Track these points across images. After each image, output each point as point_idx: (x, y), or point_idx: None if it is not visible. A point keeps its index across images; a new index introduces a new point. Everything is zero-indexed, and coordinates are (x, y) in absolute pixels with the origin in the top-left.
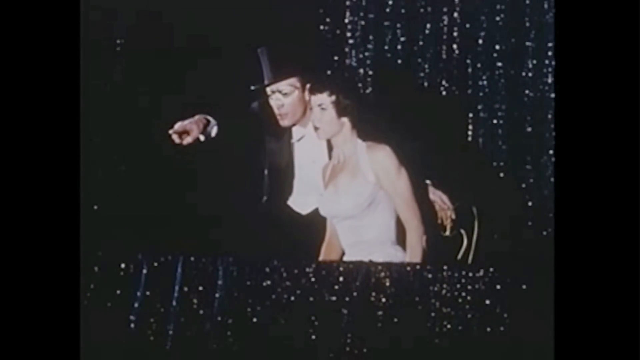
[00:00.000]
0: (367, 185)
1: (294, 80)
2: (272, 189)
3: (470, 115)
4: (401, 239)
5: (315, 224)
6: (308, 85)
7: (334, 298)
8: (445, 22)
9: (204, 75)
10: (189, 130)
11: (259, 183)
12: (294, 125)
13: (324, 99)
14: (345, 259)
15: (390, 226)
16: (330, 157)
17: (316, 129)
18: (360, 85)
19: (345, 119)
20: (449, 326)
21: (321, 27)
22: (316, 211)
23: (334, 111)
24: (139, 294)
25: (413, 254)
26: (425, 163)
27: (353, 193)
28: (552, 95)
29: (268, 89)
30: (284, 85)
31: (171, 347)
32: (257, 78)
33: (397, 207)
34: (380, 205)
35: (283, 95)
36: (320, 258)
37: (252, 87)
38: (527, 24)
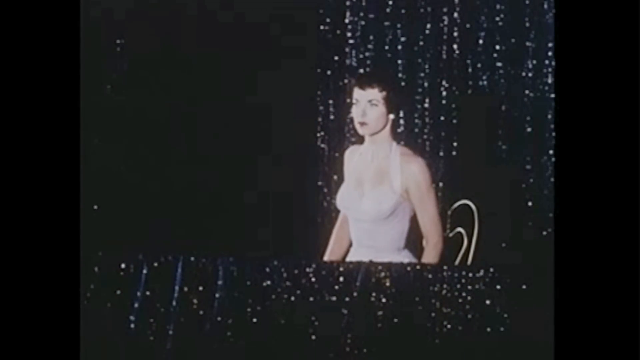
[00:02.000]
0: (392, 195)
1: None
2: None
3: (471, 115)
4: (409, 245)
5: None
6: (353, 80)
7: (334, 298)
8: (446, 22)
9: (204, 75)
10: None
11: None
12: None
13: (375, 94)
14: (350, 256)
15: (402, 236)
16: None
17: (362, 124)
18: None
19: (391, 116)
20: (449, 326)
21: (321, 27)
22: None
23: (385, 107)
24: (139, 294)
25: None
26: (425, 163)
27: (377, 199)
28: (552, 95)
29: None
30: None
31: (171, 347)
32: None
33: (421, 222)
34: (399, 216)
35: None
36: (330, 244)
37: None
38: (527, 24)
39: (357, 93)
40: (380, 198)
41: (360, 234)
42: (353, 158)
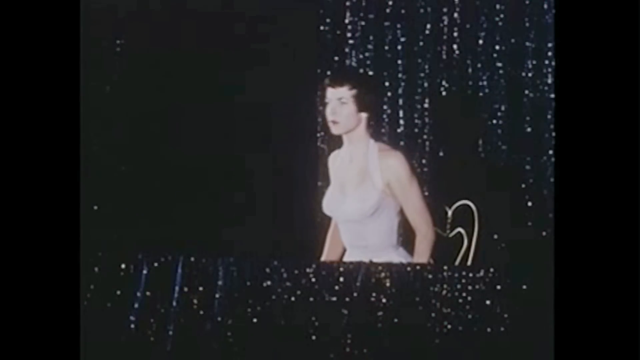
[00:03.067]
0: (374, 191)
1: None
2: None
3: (470, 115)
4: (404, 242)
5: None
6: (326, 80)
7: (334, 298)
8: (445, 23)
9: (204, 75)
10: None
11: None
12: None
13: (344, 93)
14: (345, 259)
15: (392, 232)
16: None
17: (333, 122)
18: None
19: (363, 115)
20: (449, 326)
21: (321, 28)
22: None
23: (355, 105)
24: (139, 294)
25: (420, 260)
26: (425, 163)
27: (359, 198)
28: (552, 95)
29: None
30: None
31: (171, 348)
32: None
33: (408, 214)
34: (385, 212)
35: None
36: (325, 249)
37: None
38: (527, 25)
39: (329, 92)
40: (363, 196)
41: (350, 236)
42: (335, 162)
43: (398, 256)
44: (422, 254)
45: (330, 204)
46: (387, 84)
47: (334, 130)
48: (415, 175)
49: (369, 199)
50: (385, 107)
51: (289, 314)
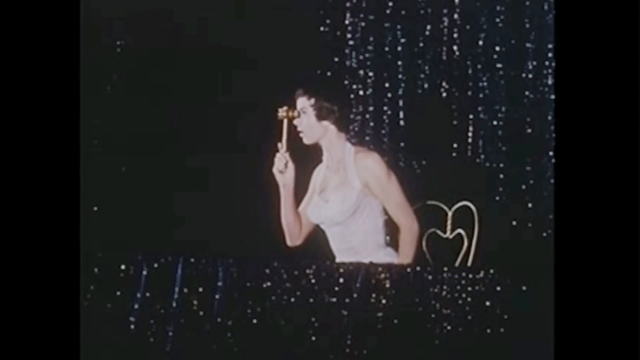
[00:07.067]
0: (352, 192)
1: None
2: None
3: (471, 116)
4: (392, 242)
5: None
6: (298, 91)
7: (334, 299)
8: (446, 24)
9: (204, 76)
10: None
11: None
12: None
13: (304, 103)
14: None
15: (377, 231)
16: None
17: (301, 132)
18: (358, 87)
19: (327, 123)
20: (449, 327)
21: (321, 29)
22: None
23: (313, 115)
24: (138, 295)
25: (404, 254)
26: (425, 164)
27: (339, 200)
28: (552, 96)
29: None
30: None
31: (171, 349)
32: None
33: (390, 211)
34: (366, 211)
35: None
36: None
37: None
38: (527, 26)
39: (297, 103)
40: (342, 197)
41: (336, 240)
42: (319, 173)
43: (386, 256)
44: (407, 247)
45: (314, 211)
46: (387, 84)
47: (304, 140)
48: (393, 173)
49: (347, 200)
50: (385, 107)
51: (289, 315)
